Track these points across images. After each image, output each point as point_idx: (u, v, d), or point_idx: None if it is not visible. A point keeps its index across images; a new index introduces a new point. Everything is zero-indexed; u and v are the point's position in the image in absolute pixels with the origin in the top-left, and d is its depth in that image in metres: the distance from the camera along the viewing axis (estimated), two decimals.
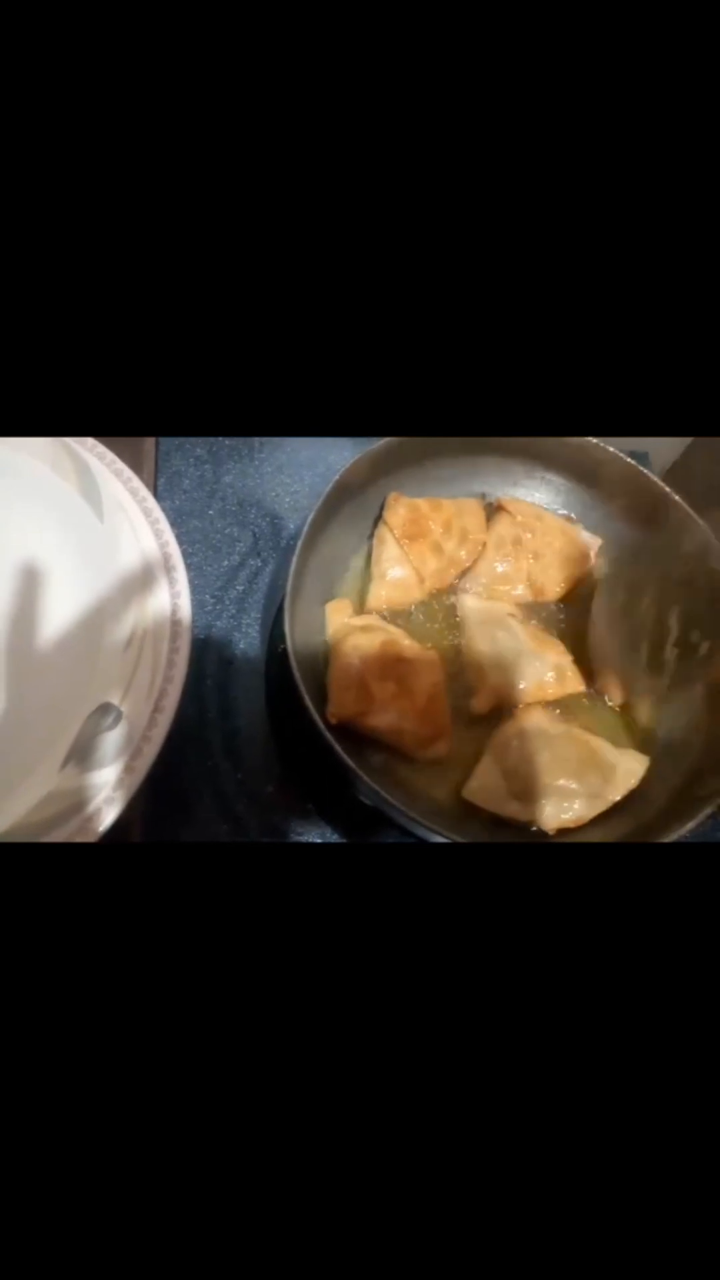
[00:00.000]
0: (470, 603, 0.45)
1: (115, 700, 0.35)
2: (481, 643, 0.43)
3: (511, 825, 0.39)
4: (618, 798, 0.39)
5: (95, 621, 0.38)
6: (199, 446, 0.53)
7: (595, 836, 0.40)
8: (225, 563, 0.49)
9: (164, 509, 0.40)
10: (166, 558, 0.38)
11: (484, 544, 0.47)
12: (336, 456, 0.53)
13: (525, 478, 0.50)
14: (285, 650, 0.37)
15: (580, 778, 0.39)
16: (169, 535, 0.39)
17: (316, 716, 0.36)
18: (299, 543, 0.39)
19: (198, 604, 0.46)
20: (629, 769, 0.40)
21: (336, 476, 0.41)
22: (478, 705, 0.42)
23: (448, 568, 0.46)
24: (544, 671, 0.43)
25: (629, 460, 0.46)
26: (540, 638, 0.44)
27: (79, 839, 0.31)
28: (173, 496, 0.50)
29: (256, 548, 0.50)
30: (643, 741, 0.43)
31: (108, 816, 0.32)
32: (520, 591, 0.47)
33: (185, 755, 0.42)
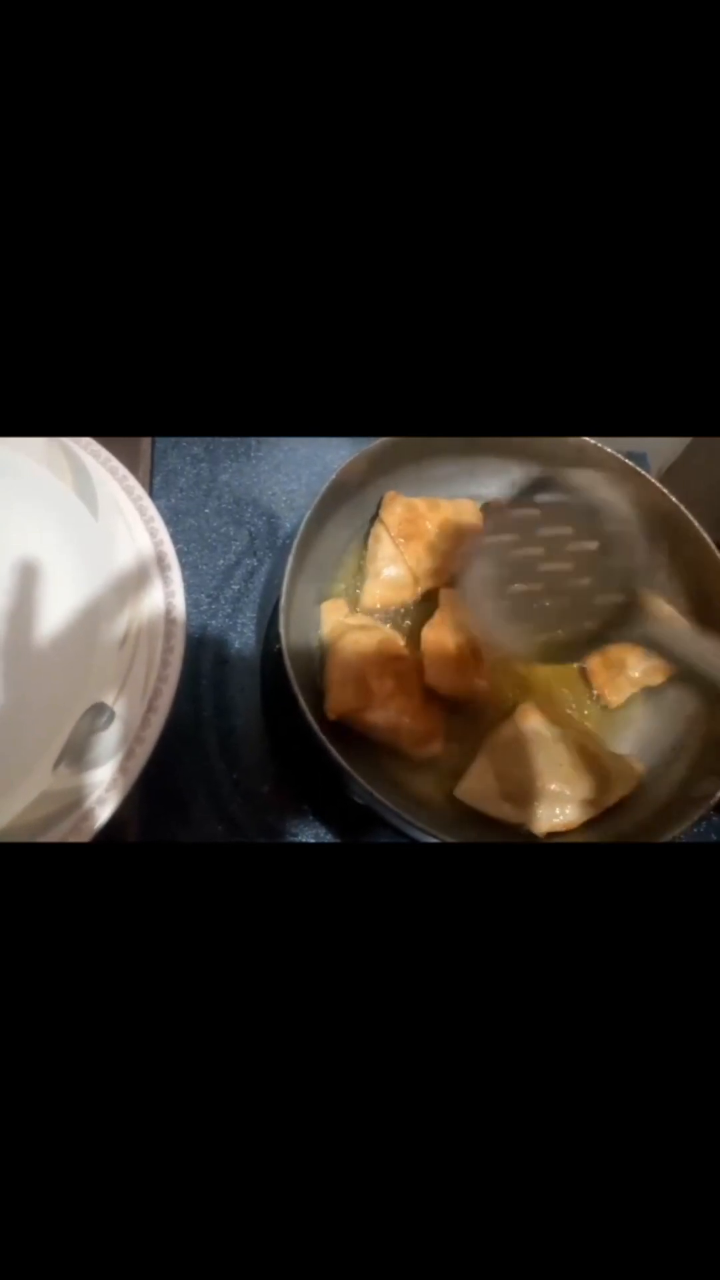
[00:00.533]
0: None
1: (109, 700, 0.35)
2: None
3: (503, 827, 0.39)
4: (610, 803, 0.39)
5: (89, 620, 0.38)
6: (195, 445, 0.52)
7: (589, 838, 0.40)
8: (221, 561, 0.48)
9: (160, 507, 0.40)
10: (161, 556, 0.38)
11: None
12: (333, 455, 0.52)
13: (523, 479, 0.50)
14: (280, 650, 0.37)
15: (573, 782, 0.39)
16: (164, 534, 0.39)
17: (311, 716, 0.35)
18: (295, 542, 0.39)
19: (193, 603, 0.46)
20: (623, 775, 0.40)
21: (333, 476, 0.41)
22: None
23: (442, 568, 0.46)
24: None
25: (627, 461, 0.46)
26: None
27: (73, 839, 0.31)
28: (169, 495, 0.50)
29: (252, 547, 0.49)
30: (637, 742, 0.43)
31: (101, 816, 0.32)
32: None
33: (180, 755, 0.42)
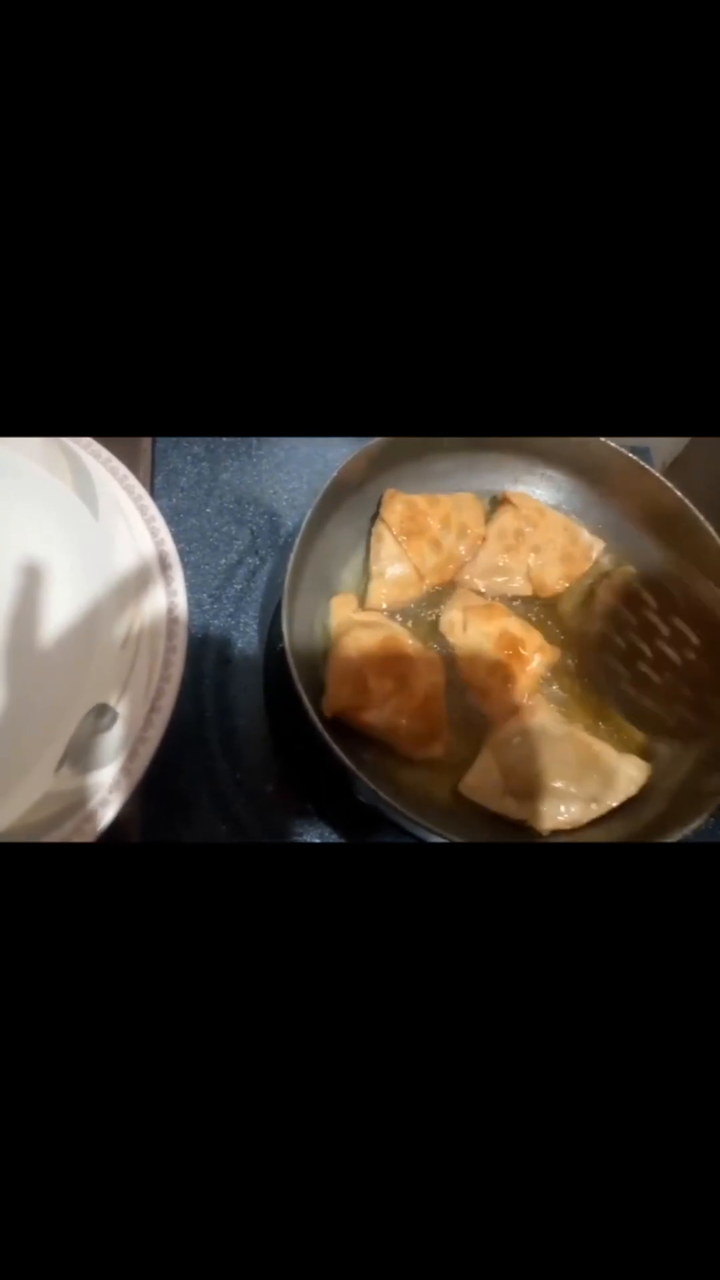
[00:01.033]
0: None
1: (111, 701, 0.34)
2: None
3: (507, 824, 0.39)
4: (615, 804, 0.39)
5: (91, 621, 0.38)
6: (196, 444, 0.52)
7: (595, 837, 0.39)
8: (223, 561, 0.48)
9: (161, 507, 0.40)
10: (163, 556, 0.38)
11: (483, 538, 0.47)
12: (335, 454, 0.52)
13: (525, 474, 0.49)
14: (283, 649, 0.37)
15: (579, 781, 0.39)
16: (165, 534, 0.39)
17: (315, 716, 0.35)
18: (297, 540, 0.39)
19: (195, 603, 0.46)
20: (630, 775, 0.40)
21: (334, 474, 0.41)
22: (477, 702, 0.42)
23: (447, 563, 0.46)
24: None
25: (631, 456, 0.46)
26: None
27: (76, 841, 0.31)
28: (170, 494, 0.50)
29: (254, 546, 0.49)
30: (645, 740, 0.43)
31: (104, 818, 0.32)
32: (519, 584, 0.46)
33: (183, 755, 0.41)
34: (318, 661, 0.42)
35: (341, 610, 0.43)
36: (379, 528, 0.45)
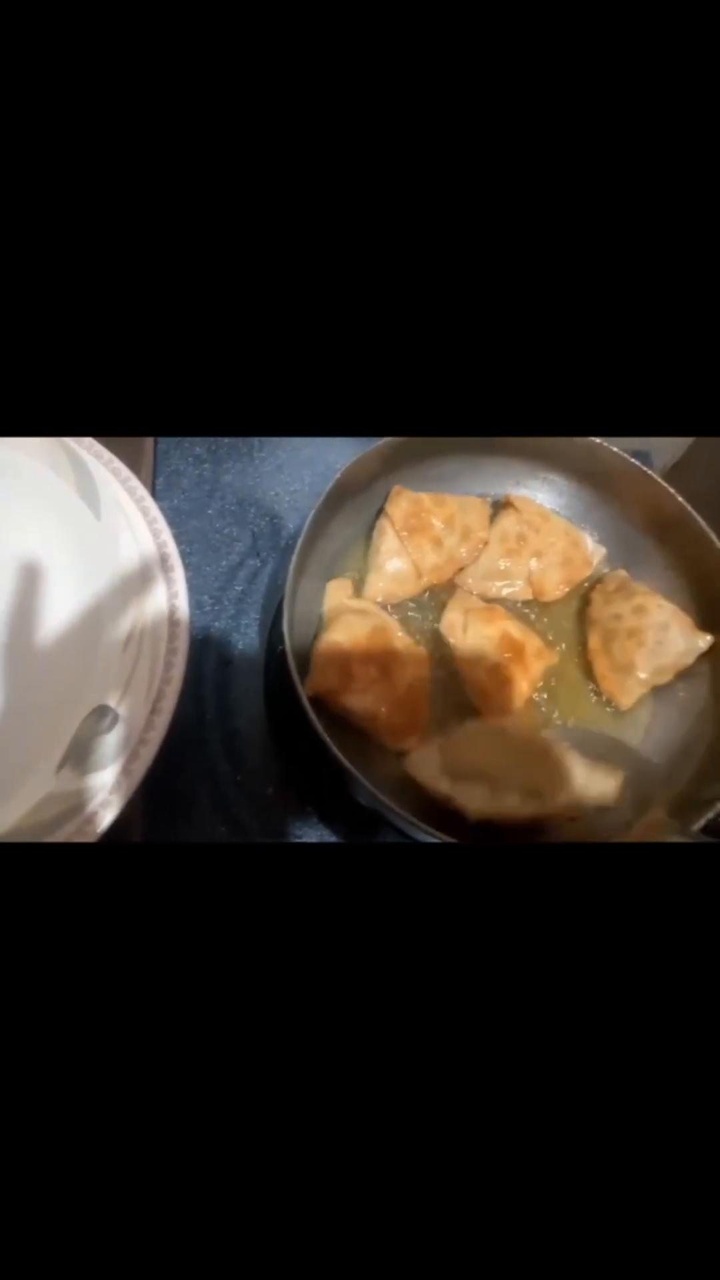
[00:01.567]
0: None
1: (112, 702, 0.34)
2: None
3: (497, 827, 0.39)
4: (565, 801, 0.38)
5: (92, 622, 0.38)
6: (198, 445, 0.52)
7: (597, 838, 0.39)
8: (224, 562, 0.48)
9: (162, 508, 0.40)
10: (164, 558, 0.38)
11: (485, 542, 0.47)
12: (336, 455, 0.52)
13: (528, 477, 0.50)
14: (284, 651, 0.37)
15: (523, 772, 0.38)
16: (167, 535, 0.39)
17: (315, 718, 0.35)
18: (298, 542, 0.39)
19: (196, 604, 0.46)
20: (601, 785, 0.39)
21: (337, 476, 0.41)
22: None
23: (447, 564, 0.46)
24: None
25: (632, 460, 0.46)
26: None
27: (77, 841, 0.31)
28: (171, 496, 0.50)
29: (255, 547, 0.49)
30: (646, 743, 0.43)
31: (105, 819, 0.32)
32: (519, 588, 0.46)
33: (184, 757, 0.41)
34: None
35: (336, 594, 0.43)
36: (382, 522, 0.45)
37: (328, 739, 0.35)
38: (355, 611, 0.42)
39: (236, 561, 0.49)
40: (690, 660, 0.43)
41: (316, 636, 0.42)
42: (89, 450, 0.41)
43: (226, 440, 0.53)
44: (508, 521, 0.47)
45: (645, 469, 0.46)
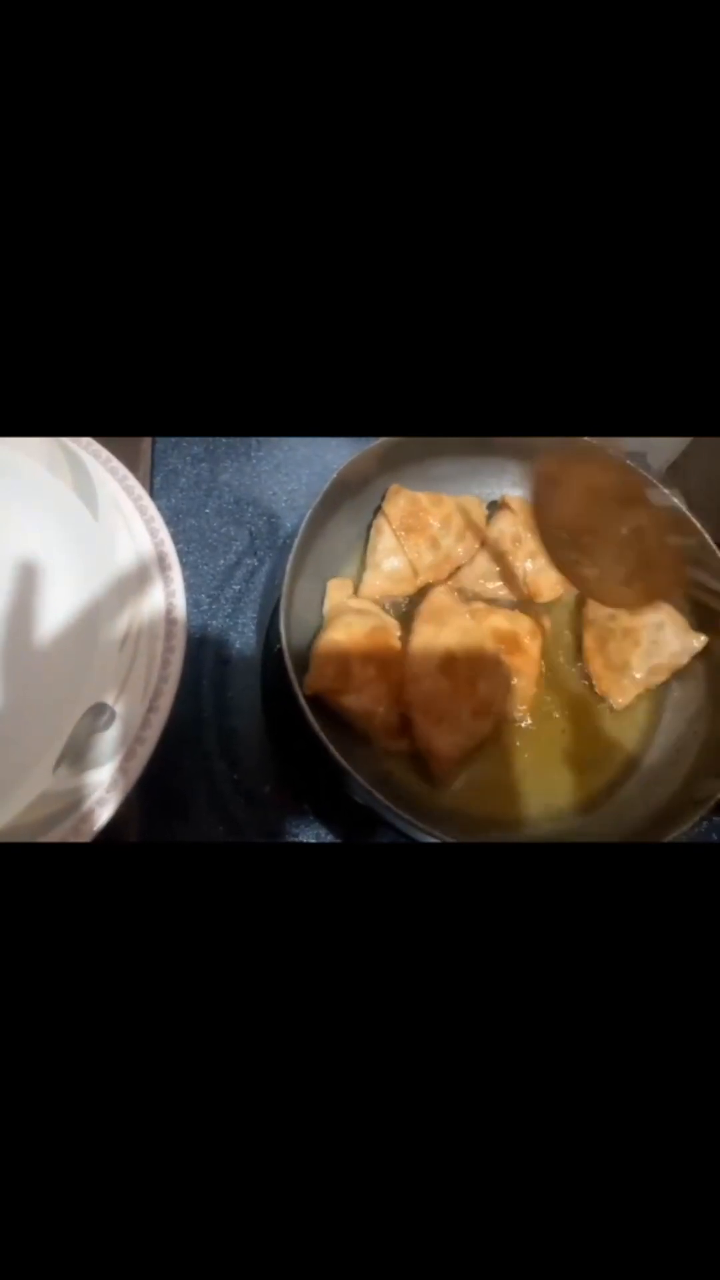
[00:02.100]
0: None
1: (109, 700, 0.35)
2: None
3: (499, 825, 0.39)
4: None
5: (89, 621, 0.38)
6: (195, 445, 0.52)
7: (592, 837, 0.40)
8: (221, 562, 0.48)
9: (160, 507, 0.40)
10: (162, 556, 0.38)
11: (482, 541, 0.47)
12: (334, 455, 0.52)
13: (525, 478, 0.50)
14: (281, 650, 0.37)
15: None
16: (164, 534, 0.39)
17: (312, 717, 0.35)
18: (296, 542, 0.39)
19: (193, 603, 0.46)
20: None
21: (334, 475, 0.41)
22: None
23: (443, 563, 0.46)
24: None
25: (627, 461, 0.46)
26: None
27: (73, 840, 0.31)
28: (169, 495, 0.50)
29: (253, 547, 0.49)
30: (640, 742, 0.43)
31: (102, 817, 0.32)
32: (515, 589, 0.47)
33: (181, 755, 0.41)
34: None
35: (337, 594, 0.44)
36: (379, 520, 0.46)
37: (325, 738, 0.35)
38: (355, 611, 0.42)
39: (234, 561, 0.49)
40: (685, 660, 0.43)
41: (315, 635, 0.42)
42: (87, 449, 0.41)
43: (224, 440, 0.53)
44: (504, 522, 0.47)
45: (641, 470, 0.46)
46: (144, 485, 0.41)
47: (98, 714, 0.34)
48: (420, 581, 0.45)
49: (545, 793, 0.41)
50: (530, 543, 0.47)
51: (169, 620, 0.36)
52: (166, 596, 0.37)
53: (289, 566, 0.39)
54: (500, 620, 0.44)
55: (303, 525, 0.40)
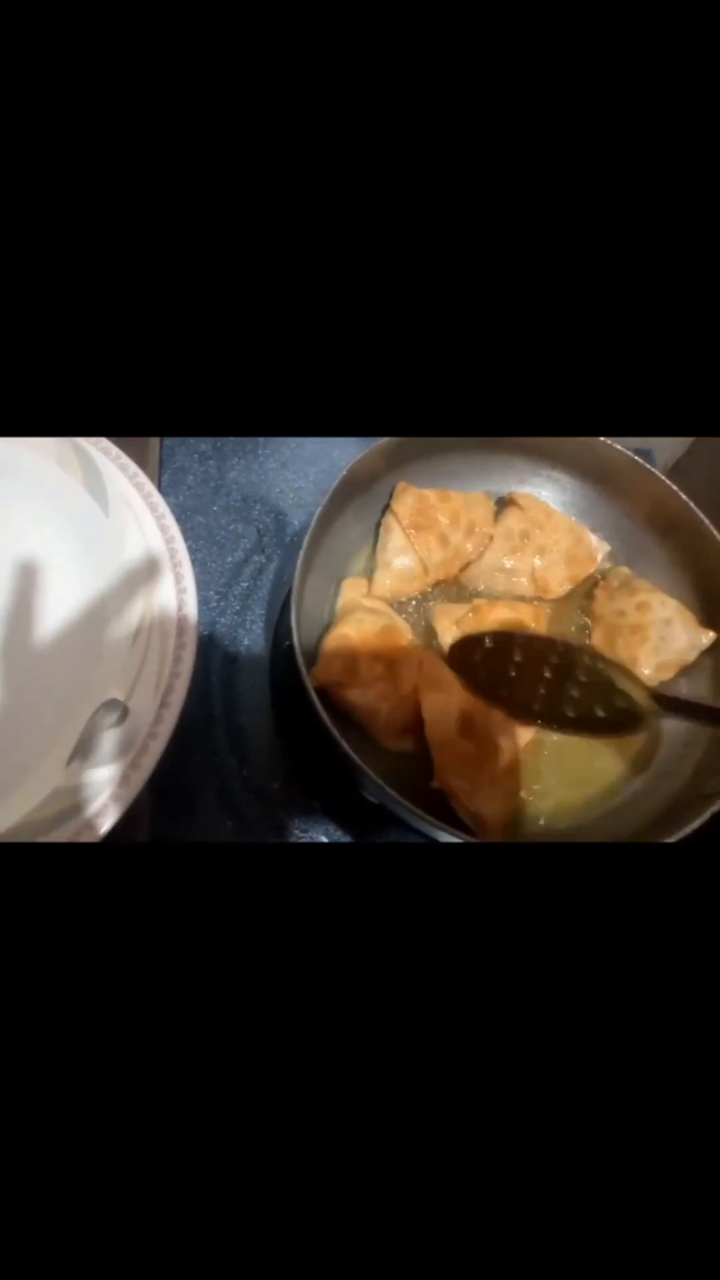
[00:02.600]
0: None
1: (121, 696, 0.35)
2: None
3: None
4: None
5: (101, 617, 0.38)
6: (203, 443, 0.52)
7: (597, 836, 0.40)
8: (229, 559, 0.48)
9: (168, 505, 0.40)
10: (172, 553, 0.38)
11: (490, 537, 0.47)
12: (341, 453, 0.52)
13: (532, 475, 0.50)
14: (290, 646, 0.37)
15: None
16: (175, 531, 0.39)
17: (323, 714, 0.35)
18: (305, 539, 0.39)
19: (202, 600, 0.46)
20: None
21: (343, 472, 0.41)
22: None
23: (453, 560, 0.46)
24: None
25: (636, 458, 0.46)
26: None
27: (83, 836, 0.31)
28: (177, 492, 0.50)
29: (261, 544, 0.49)
30: (648, 740, 0.43)
31: (112, 813, 0.32)
32: (523, 585, 0.47)
33: (191, 752, 0.42)
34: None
35: (350, 592, 0.44)
36: (388, 519, 0.46)
37: (336, 734, 0.35)
38: (368, 610, 0.42)
39: (242, 558, 0.49)
40: (693, 656, 0.43)
41: (323, 632, 0.42)
42: (97, 446, 0.41)
43: (231, 438, 0.53)
44: (512, 519, 0.47)
45: (648, 466, 0.46)
46: (153, 483, 0.41)
47: (110, 710, 0.34)
48: (431, 579, 0.46)
49: (554, 789, 0.41)
50: (538, 539, 0.47)
51: (180, 617, 0.37)
52: (178, 593, 0.37)
53: (299, 563, 0.39)
54: (503, 612, 0.44)
55: (313, 522, 0.40)
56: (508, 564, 0.46)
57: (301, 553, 0.39)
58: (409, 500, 0.45)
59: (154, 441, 0.51)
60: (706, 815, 0.36)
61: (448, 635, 0.44)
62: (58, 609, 0.38)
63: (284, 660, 0.44)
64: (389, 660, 0.40)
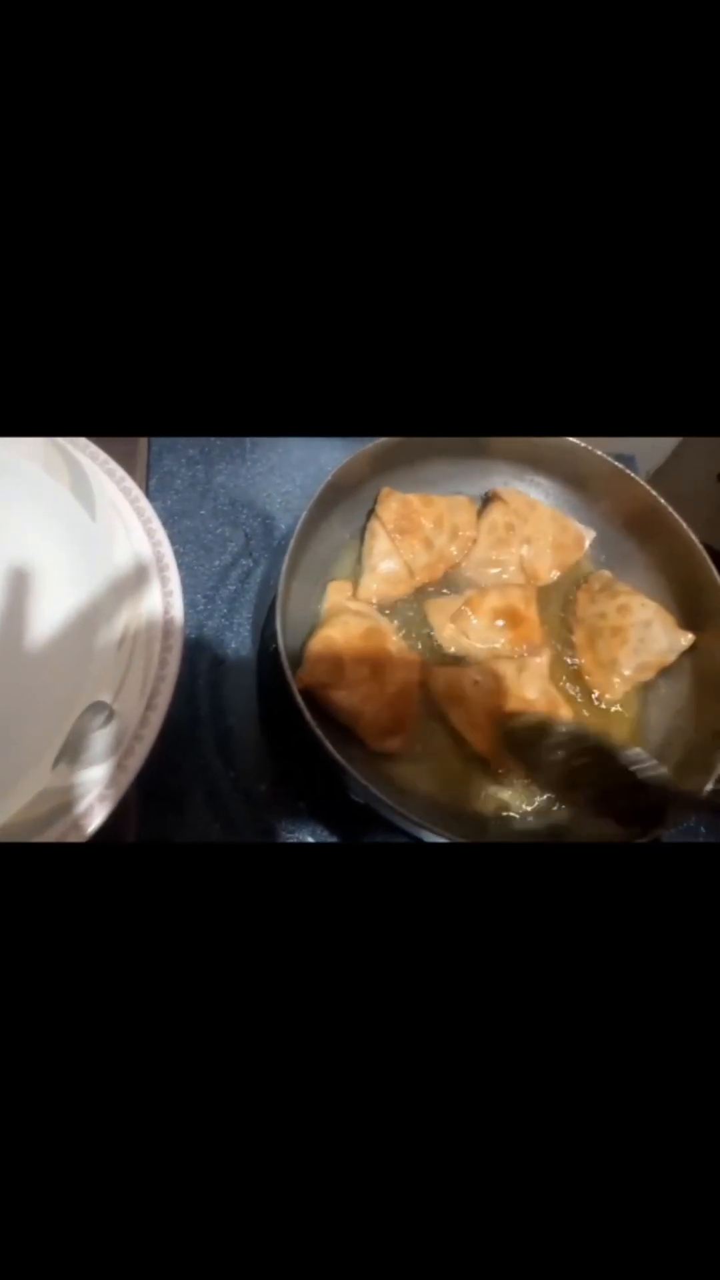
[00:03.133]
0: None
1: (107, 699, 0.35)
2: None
3: (492, 821, 0.39)
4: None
5: (88, 620, 0.38)
6: (191, 447, 0.53)
7: (579, 835, 0.40)
8: (217, 562, 0.49)
9: (156, 509, 0.40)
10: (159, 557, 0.39)
11: (474, 540, 0.48)
12: (328, 457, 0.53)
13: (514, 479, 0.51)
14: (277, 649, 0.37)
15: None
16: (161, 535, 0.39)
17: (309, 716, 0.36)
18: (291, 543, 0.40)
19: (189, 604, 0.46)
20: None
21: (328, 477, 0.42)
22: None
23: (437, 563, 0.47)
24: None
25: (617, 464, 0.47)
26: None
27: (70, 838, 0.31)
28: (164, 496, 0.50)
29: (248, 548, 0.50)
30: (629, 737, 0.44)
31: (99, 815, 0.32)
32: (513, 575, 0.47)
33: (178, 754, 0.42)
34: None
35: (336, 595, 0.44)
36: (374, 524, 0.46)
37: (321, 735, 0.35)
38: (353, 613, 0.43)
39: (229, 561, 0.49)
40: (673, 658, 0.44)
41: (309, 635, 0.42)
42: (84, 451, 0.41)
43: (219, 441, 0.53)
44: (496, 513, 0.48)
45: (629, 472, 0.47)
46: (140, 487, 0.41)
47: (96, 712, 0.35)
48: (416, 582, 0.46)
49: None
50: (523, 529, 0.47)
51: (166, 620, 0.37)
52: (164, 597, 0.37)
53: (284, 567, 0.39)
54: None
55: (298, 526, 0.40)
56: (495, 556, 0.47)
57: (287, 556, 0.39)
58: (393, 505, 0.46)
59: (141, 446, 0.51)
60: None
61: (444, 630, 0.44)
62: (44, 613, 0.39)
63: (270, 663, 0.44)
64: (374, 662, 0.41)
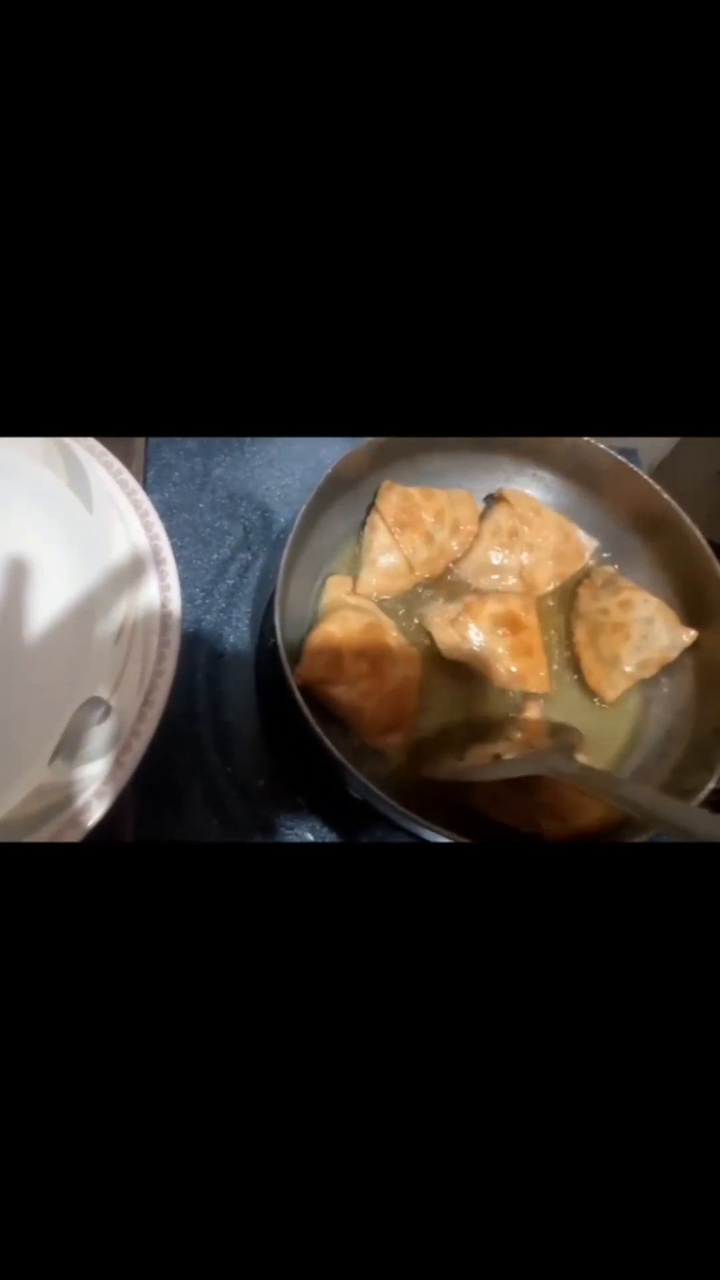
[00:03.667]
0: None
1: (105, 694, 0.35)
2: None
3: (491, 821, 0.39)
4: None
5: (85, 615, 0.38)
6: (189, 440, 0.52)
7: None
8: (215, 556, 0.48)
9: (153, 502, 0.40)
10: (156, 551, 0.38)
11: (475, 535, 0.47)
12: (327, 451, 0.53)
13: (517, 474, 0.50)
14: (275, 644, 0.37)
15: None
16: (159, 528, 0.39)
17: (307, 711, 0.36)
18: (290, 536, 0.39)
19: (187, 598, 0.46)
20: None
21: (328, 471, 0.41)
22: None
23: (438, 557, 0.46)
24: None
25: (620, 459, 0.46)
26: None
27: (68, 833, 0.31)
28: (162, 489, 0.50)
29: (247, 541, 0.49)
30: (630, 734, 0.44)
31: (96, 811, 0.32)
32: (511, 582, 0.47)
33: (175, 749, 0.42)
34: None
35: (335, 590, 0.44)
36: (373, 518, 0.46)
37: (319, 731, 0.35)
38: (352, 608, 0.42)
39: (228, 555, 0.49)
40: (675, 655, 0.44)
41: (308, 630, 0.42)
42: (81, 444, 0.41)
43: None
44: (500, 515, 0.48)
45: (633, 467, 0.46)
46: (137, 479, 0.41)
47: (93, 708, 0.34)
48: (416, 576, 0.46)
49: None
50: (527, 535, 0.47)
51: (164, 614, 0.36)
52: (161, 591, 0.37)
53: (284, 561, 0.39)
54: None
55: (297, 520, 0.40)
56: (496, 560, 0.47)
57: (286, 550, 0.39)
58: (394, 498, 0.45)
59: (139, 438, 0.50)
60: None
61: (445, 635, 0.44)
62: (40, 608, 0.38)
63: (269, 658, 0.44)
64: (373, 657, 0.40)
